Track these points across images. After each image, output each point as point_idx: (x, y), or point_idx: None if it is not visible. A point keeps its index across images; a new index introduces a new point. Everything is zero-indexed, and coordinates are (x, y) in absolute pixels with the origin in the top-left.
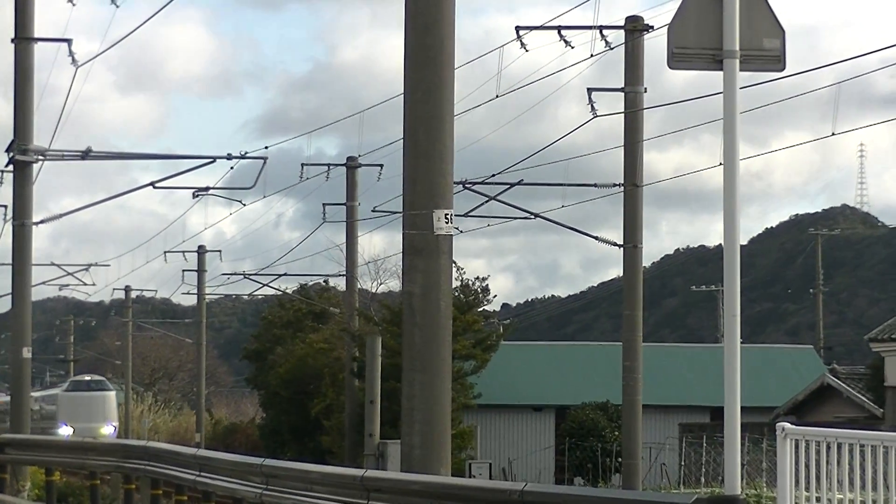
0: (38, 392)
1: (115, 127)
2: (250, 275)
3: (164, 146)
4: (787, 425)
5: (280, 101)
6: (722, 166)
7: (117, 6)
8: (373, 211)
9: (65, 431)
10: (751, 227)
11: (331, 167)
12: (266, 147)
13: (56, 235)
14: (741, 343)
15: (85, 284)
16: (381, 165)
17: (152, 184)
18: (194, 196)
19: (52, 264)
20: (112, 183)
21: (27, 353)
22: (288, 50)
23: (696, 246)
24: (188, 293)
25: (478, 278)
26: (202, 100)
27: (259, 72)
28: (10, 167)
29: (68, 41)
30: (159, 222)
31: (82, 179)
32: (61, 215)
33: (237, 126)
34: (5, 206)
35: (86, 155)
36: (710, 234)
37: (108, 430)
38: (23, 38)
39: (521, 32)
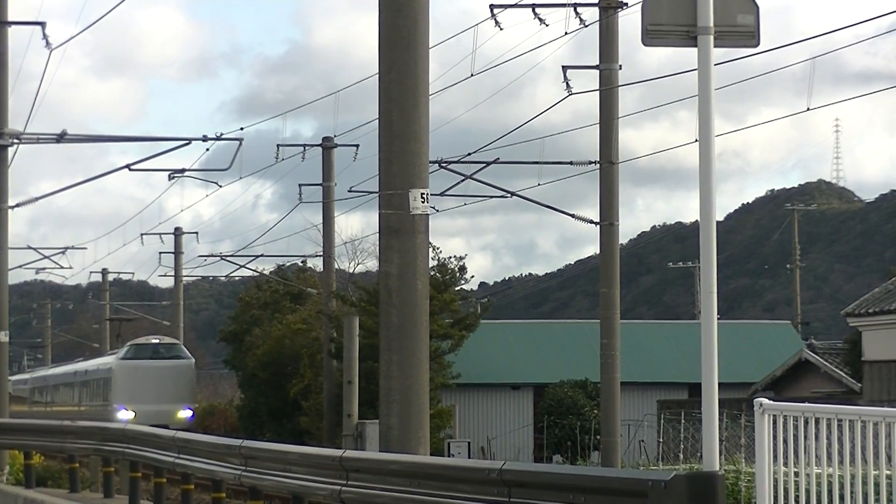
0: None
1: (95, 112)
2: (227, 256)
3: (144, 130)
4: (765, 401)
5: (256, 83)
6: (698, 143)
7: None
8: (349, 191)
9: (124, 416)
10: (727, 203)
11: (307, 148)
12: (241, 128)
13: (34, 220)
14: (718, 319)
15: (62, 268)
16: (357, 146)
17: (128, 166)
18: (170, 178)
19: (29, 248)
20: (91, 167)
21: (4, 336)
22: (264, 32)
23: (672, 223)
24: (165, 275)
25: (454, 257)
26: (180, 83)
27: (236, 54)
28: None
29: (42, 24)
30: (137, 205)
31: (61, 164)
32: (37, 199)
33: (214, 108)
34: None
35: (61, 138)
36: (687, 210)
37: (184, 415)
38: None
39: (496, 11)
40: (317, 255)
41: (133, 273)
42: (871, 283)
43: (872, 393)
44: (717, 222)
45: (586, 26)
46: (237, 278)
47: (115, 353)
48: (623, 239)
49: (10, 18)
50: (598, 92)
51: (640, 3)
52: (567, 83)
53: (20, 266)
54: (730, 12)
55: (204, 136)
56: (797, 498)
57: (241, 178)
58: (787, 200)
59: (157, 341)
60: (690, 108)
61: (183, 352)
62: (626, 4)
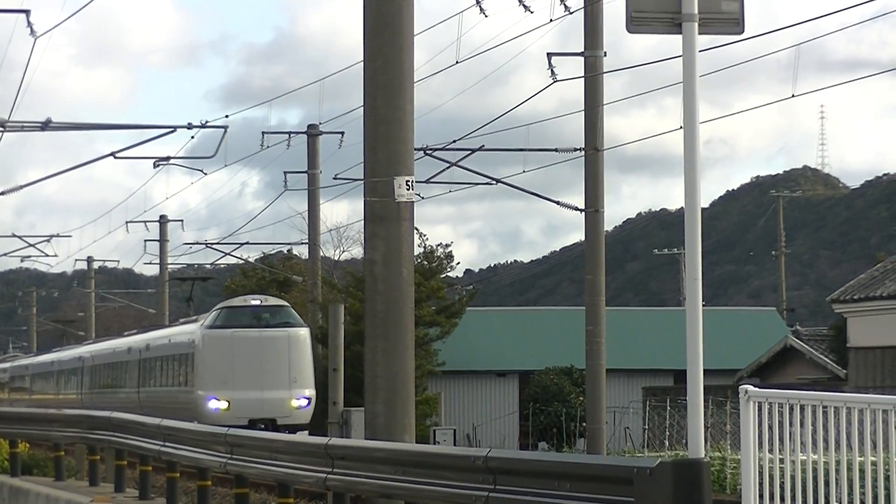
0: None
1: (82, 100)
2: (212, 244)
3: (131, 118)
4: (751, 388)
5: (243, 71)
6: (682, 129)
7: None
8: (334, 178)
9: (214, 406)
10: (712, 190)
11: (292, 135)
12: (227, 116)
13: (21, 208)
14: (703, 306)
15: (47, 256)
16: (343, 133)
17: (113, 154)
18: (155, 166)
19: (14, 235)
20: (78, 155)
21: None
22: (251, 19)
23: (657, 209)
24: (150, 263)
25: (441, 244)
26: (166, 71)
27: (222, 42)
28: None
29: (27, 12)
30: (124, 193)
31: (48, 152)
32: (22, 186)
33: (200, 96)
34: None
35: (46, 126)
36: (672, 197)
37: (298, 404)
38: None
39: None
40: (302, 243)
41: (118, 261)
42: (856, 270)
43: (858, 379)
44: (703, 209)
45: (571, 13)
46: (223, 266)
47: (195, 320)
48: (608, 226)
49: None
50: (582, 79)
51: None
52: (552, 70)
53: (5, 254)
54: None
55: (189, 123)
56: (782, 484)
57: (226, 165)
58: (772, 187)
59: (259, 302)
60: (676, 95)
61: (294, 317)
62: None
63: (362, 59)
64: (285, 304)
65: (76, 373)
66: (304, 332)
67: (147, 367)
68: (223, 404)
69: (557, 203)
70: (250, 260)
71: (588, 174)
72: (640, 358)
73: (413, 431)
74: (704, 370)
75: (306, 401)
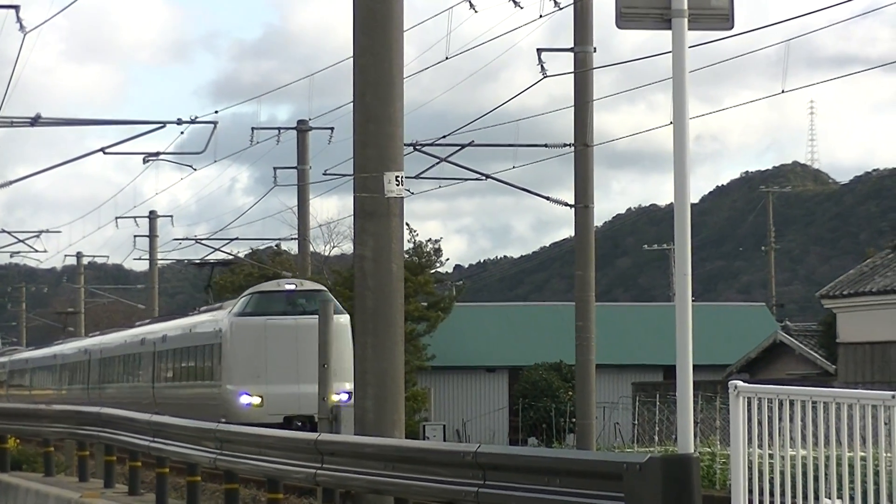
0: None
1: (73, 97)
2: (202, 240)
3: (122, 114)
4: (740, 383)
5: (233, 67)
6: (672, 125)
7: None
8: (324, 174)
9: (245, 402)
10: (702, 185)
11: (281, 131)
12: (216, 112)
13: (11, 203)
14: (693, 301)
15: (36, 251)
16: (332, 129)
17: (102, 149)
18: (145, 161)
19: (4, 231)
20: (69, 152)
21: None
22: (241, 16)
23: (647, 205)
24: (140, 259)
25: (430, 240)
26: (157, 67)
27: (212, 38)
28: None
29: (16, 7)
30: (114, 189)
31: (38, 148)
32: (11, 182)
33: (190, 92)
34: None
35: (35, 121)
36: (662, 193)
37: (339, 399)
38: None
39: None
40: (292, 239)
41: (108, 256)
42: (845, 266)
43: (847, 375)
44: (692, 205)
45: (561, 9)
46: (212, 262)
47: (219, 307)
48: (598, 221)
49: None
50: (572, 75)
51: None
52: (542, 66)
53: None
54: None
55: (178, 119)
56: (772, 480)
57: (215, 161)
58: (761, 182)
59: (293, 287)
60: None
61: (330, 301)
62: None
63: (352, 55)
64: (322, 287)
65: (81, 367)
66: (344, 320)
67: (164, 359)
68: (256, 400)
69: (547, 199)
70: (240, 256)
71: (578, 170)
72: (630, 353)
73: (403, 427)
74: (694, 366)
75: (347, 395)
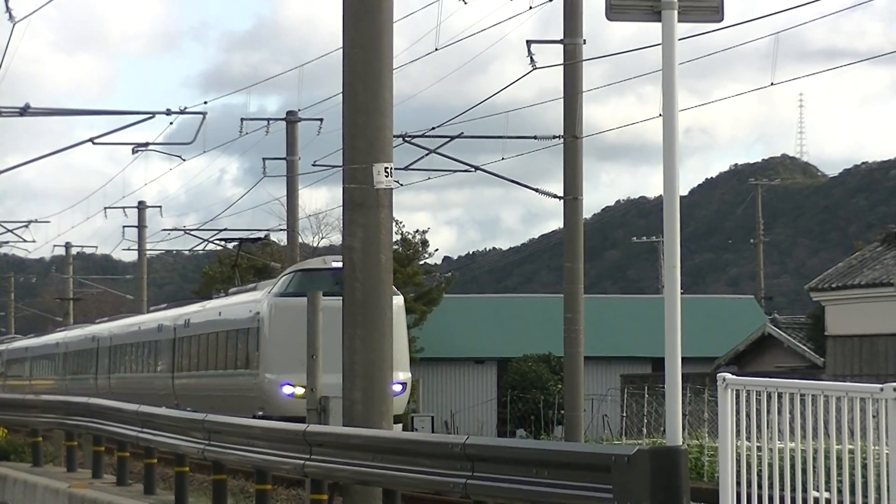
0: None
1: (62, 87)
2: (190, 230)
3: (111, 104)
4: (728, 376)
5: (223, 58)
6: (661, 117)
7: None
8: (313, 165)
9: (288, 393)
10: (691, 178)
11: (270, 122)
12: (206, 102)
13: (0, 194)
14: (682, 294)
15: (25, 241)
16: (321, 120)
17: (91, 140)
18: (134, 152)
19: None
20: (58, 142)
21: None
22: (231, 6)
23: (636, 197)
24: (129, 249)
25: (417, 231)
26: (147, 58)
27: (202, 28)
28: None
29: None
30: (103, 179)
31: (27, 138)
32: (0, 172)
33: (180, 83)
34: None
35: (24, 111)
36: (651, 185)
37: (392, 390)
38: None
39: None
40: (281, 229)
41: (97, 247)
42: (834, 258)
43: (835, 368)
44: (681, 197)
45: (551, 1)
46: (201, 252)
47: (253, 288)
48: (587, 213)
49: None
50: (562, 67)
51: None
52: (531, 58)
53: None
54: None
55: (168, 109)
56: (760, 472)
57: (204, 151)
58: (750, 175)
59: (341, 264)
60: (655, 83)
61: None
62: None
63: (341, 46)
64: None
65: (88, 355)
66: (398, 302)
67: (187, 346)
68: (299, 390)
69: (536, 190)
70: (228, 247)
71: (567, 162)
72: (619, 346)
73: (391, 418)
74: (682, 358)
75: (401, 387)
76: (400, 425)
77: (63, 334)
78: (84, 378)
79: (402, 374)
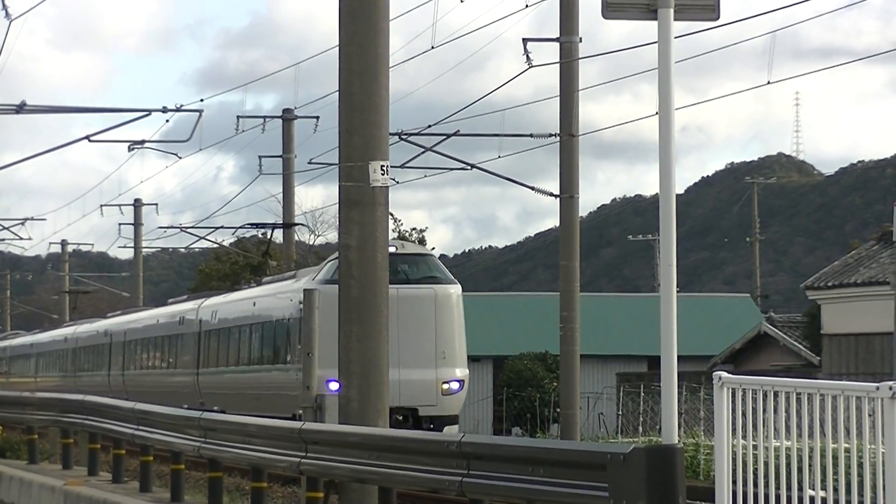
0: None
1: (59, 84)
2: (186, 228)
3: (108, 102)
4: (724, 374)
5: (219, 55)
6: (658, 115)
7: None
8: (309, 163)
9: (334, 390)
10: (687, 176)
11: (266, 119)
12: (202, 100)
13: None
14: (678, 292)
15: (21, 239)
16: (318, 117)
17: (88, 137)
18: (130, 149)
19: None
20: (55, 139)
21: None
22: (228, 4)
23: (632, 196)
24: (125, 247)
25: (414, 230)
26: (143, 55)
27: (199, 26)
28: None
29: None
30: (99, 177)
31: (24, 135)
32: None
33: (176, 80)
34: None
35: (20, 109)
36: (647, 183)
37: (448, 388)
38: None
39: None
40: (277, 226)
41: (93, 244)
42: (830, 257)
43: (831, 366)
44: (677, 195)
45: None
46: (197, 250)
47: (293, 276)
48: (583, 212)
49: None
50: (558, 65)
51: None
52: (527, 56)
53: None
54: None
55: (164, 107)
56: (755, 471)
57: (201, 149)
58: (746, 173)
59: (394, 249)
60: (652, 82)
61: (441, 269)
62: None
63: (338, 43)
64: (429, 251)
65: (100, 351)
66: (455, 291)
67: (214, 340)
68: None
69: (532, 189)
70: (224, 244)
71: (563, 160)
72: (615, 344)
73: (387, 416)
74: (678, 356)
75: (458, 384)
76: (455, 427)
77: (72, 329)
78: (95, 375)
79: (459, 371)
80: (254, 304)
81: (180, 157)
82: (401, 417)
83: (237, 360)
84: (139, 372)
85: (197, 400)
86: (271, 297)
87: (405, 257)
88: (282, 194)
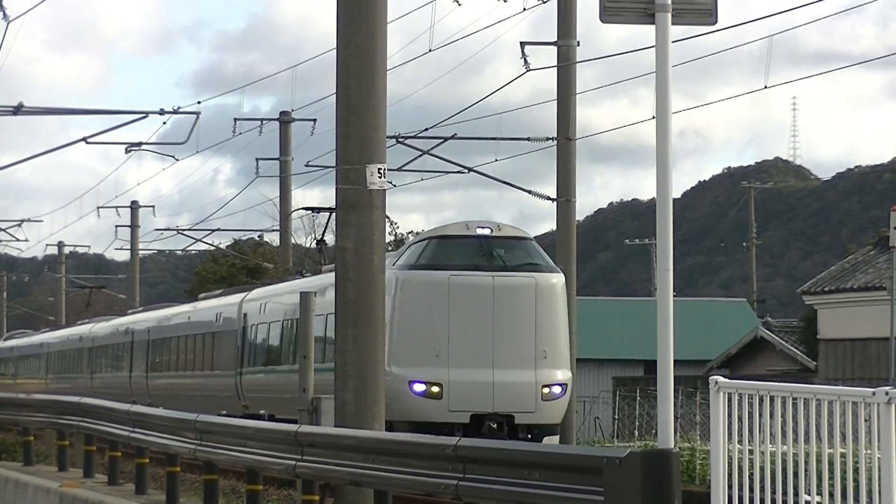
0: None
1: (56, 86)
2: (183, 230)
3: (105, 104)
4: (721, 379)
5: (216, 58)
6: (655, 119)
7: None
8: (306, 166)
9: (419, 391)
10: (684, 181)
11: (264, 122)
12: (199, 102)
13: None
14: (674, 296)
15: (18, 240)
16: (315, 120)
17: (85, 139)
18: (127, 151)
19: None
20: (52, 141)
21: None
22: (225, 6)
23: (629, 200)
24: (121, 249)
25: (411, 233)
26: (140, 57)
27: (196, 28)
28: None
29: None
30: (96, 179)
31: (21, 137)
32: None
33: (173, 82)
34: None
35: (18, 110)
36: (644, 187)
37: (550, 392)
38: None
39: None
40: (273, 230)
41: (89, 246)
42: (827, 262)
43: (827, 371)
44: (674, 200)
45: (545, 2)
46: (193, 252)
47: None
48: (580, 215)
49: None
50: (556, 68)
51: None
52: (525, 59)
53: None
54: None
55: (161, 109)
56: (751, 475)
57: (198, 151)
58: (743, 178)
59: (489, 231)
60: (649, 86)
61: (542, 255)
62: None
63: (335, 46)
64: (527, 234)
65: (120, 350)
66: (559, 281)
67: (262, 337)
68: (434, 389)
69: (529, 192)
70: (221, 246)
71: (560, 164)
72: (611, 348)
73: (383, 419)
74: (675, 360)
75: (561, 388)
76: (556, 438)
77: (87, 327)
78: (114, 377)
79: (562, 373)
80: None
81: (177, 160)
82: (494, 425)
83: (291, 358)
84: (166, 374)
85: (238, 404)
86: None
87: (502, 241)
88: (279, 197)
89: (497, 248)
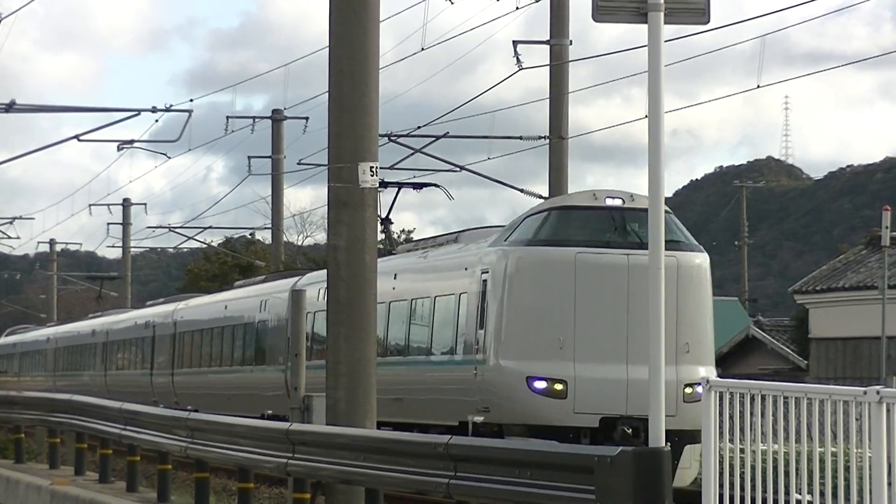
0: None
1: (49, 84)
2: (175, 228)
3: (97, 102)
4: (712, 377)
5: (209, 56)
6: (647, 119)
7: None
8: (298, 164)
9: (539, 389)
10: (677, 180)
11: (256, 120)
12: (192, 100)
13: None
14: None
15: (9, 238)
16: (307, 118)
17: (77, 136)
18: (119, 149)
19: None
20: (44, 139)
21: None
22: (218, 4)
23: None
24: (113, 246)
25: (403, 231)
26: (133, 55)
27: (190, 26)
28: None
29: None
30: (88, 176)
31: (13, 135)
32: None
33: (166, 80)
34: None
35: (10, 107)
36: (636, 187)
37: (692, 392)
38: None
39: None
40: (265, 228)
41: (81, 244)
42: (818, 261)
43: (819, 370)
44: (666, 199)
45: (537, 1)
46: (186, 250)
47: (458, 239)
48: None
49: None
50: (548, 67)
51: None
52: (517, 58)
53: None
54: None
55: (153, 107)
56: (742, 474)
57: (190, 149)
58: (735, 177)
59: (621, 202)
60: (642, 85)
61: (683, 231)
62: None
63: (328, 44)
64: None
65: (140, 345)
66: (703, 261)
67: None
68: (557, 387)
69: (522, 191)
70: (213, 244)
71: (552, 163)
72: None
73: (374, 417)
74: None
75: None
76: (698, 447)
77: (100, 321)
78: (132, 374)
79: (706, 371)
80: (395, 278)
81: (169, 157)
82: (629, 430)
83: (408, 350)
84: (198, 370)
85: (287, 405)
86: (463, 257)
87: (636, 213)
88: (271, 195)
89: (631, 222)
